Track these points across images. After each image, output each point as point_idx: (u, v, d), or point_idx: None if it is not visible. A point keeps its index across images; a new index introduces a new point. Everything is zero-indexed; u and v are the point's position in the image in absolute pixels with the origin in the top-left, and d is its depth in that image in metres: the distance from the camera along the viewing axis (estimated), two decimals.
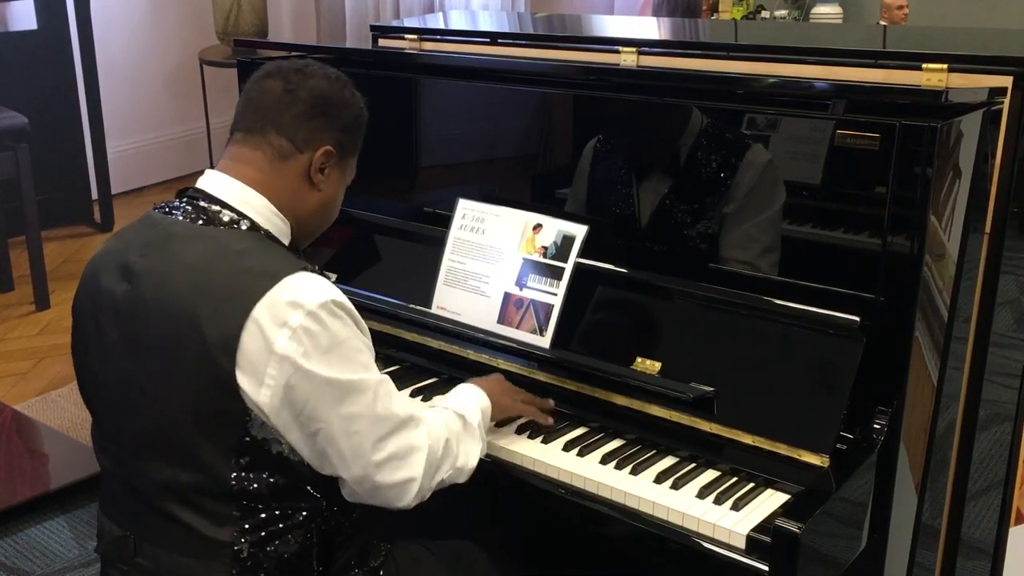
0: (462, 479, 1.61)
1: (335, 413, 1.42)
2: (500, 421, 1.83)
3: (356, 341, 1.45)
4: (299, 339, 1.38)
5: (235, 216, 1.50)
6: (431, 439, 1.53)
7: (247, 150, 1.54)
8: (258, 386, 1.39)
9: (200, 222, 1.49)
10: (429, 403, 1.72)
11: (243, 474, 1.43)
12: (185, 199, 1.54)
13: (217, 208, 1.50)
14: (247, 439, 1.42)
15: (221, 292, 1.40)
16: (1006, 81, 1.76)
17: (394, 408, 1.49)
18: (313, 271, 1.46)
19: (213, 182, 1.53)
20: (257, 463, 1.43)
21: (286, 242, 1.56)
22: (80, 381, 1.60)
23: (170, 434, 1.44)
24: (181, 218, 1.50)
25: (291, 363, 1.38)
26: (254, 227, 1.50)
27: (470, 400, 1.70)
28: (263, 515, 1.46)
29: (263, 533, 1.46)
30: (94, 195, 3.20)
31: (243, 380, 1.38)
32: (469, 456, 1.62)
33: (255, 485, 1.44)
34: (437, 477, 1.55)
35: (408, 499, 1.51)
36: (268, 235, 1.52)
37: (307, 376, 1.39)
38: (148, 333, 1.44)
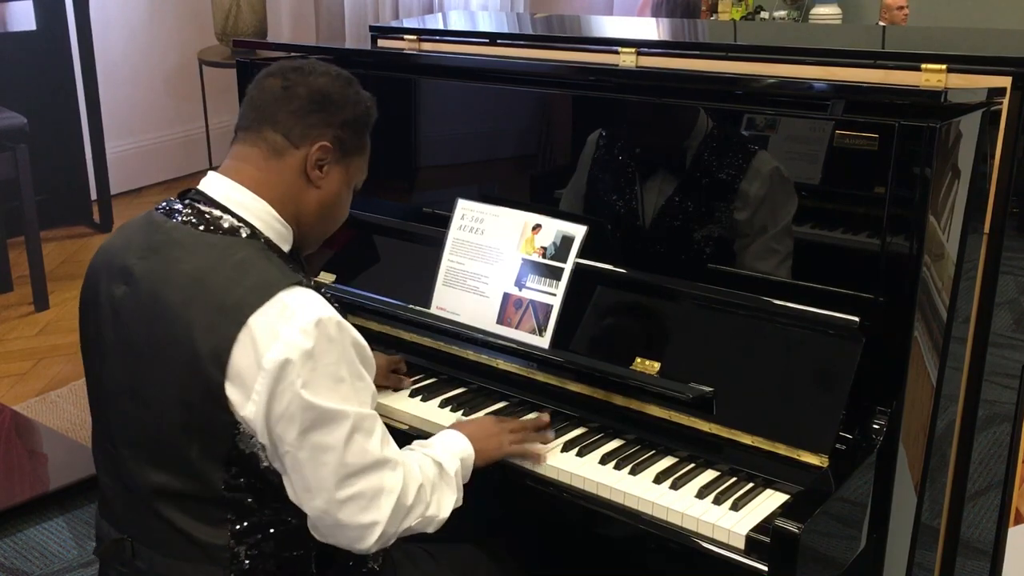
0: (431, 529, 1.53)
1: (305, 440, 1.38)
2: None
3: (344, 367, 1.40)
4: (287, 355, 1.35)
5: (235, 223, 1.48)
6: (404, 484, 1.46)
7: (245, 148, 1.53)
8: (245, 400, 1.37)
9: (201, 227, 1.47)
10: (409, 446, 1.62)
11: (233, 482, 1.43)
12: (187, 201, 1.52)
13: (218, 213, 1.49)
14: (235, 451, 1.41)
15: (216, 303, 1.39)
16: (1005, 81, 1.76)
17: (370, 446, 1.42)
18: (309, 286, 1.44)
19: (213, 185, 1.52)
20: (246, 473, 1.43)
21: (287, 248, 1.54)
22: (86, 380, 1.60)
23: (161, 440, 1.43)
24: (182, 222, 1.49)
25: (275, 379, 1.35)
26: (254, 235, 1.48)
27: (451, 447, 1.63)
28: (256, 519, 1.45)
29: (259, 535, 1.46)
30: (93, 195, 3.19)
31: (232, 393, 1.37)
32: (441, 506, 1.54)
33: (244, 494, 1.43)
34: (404, 524, 1.48)
35: (369, 543, 1.44)
36: (268, 243, 1.50)
37: (287, 395, 1.36)
38: (142, 338, 1.44)
